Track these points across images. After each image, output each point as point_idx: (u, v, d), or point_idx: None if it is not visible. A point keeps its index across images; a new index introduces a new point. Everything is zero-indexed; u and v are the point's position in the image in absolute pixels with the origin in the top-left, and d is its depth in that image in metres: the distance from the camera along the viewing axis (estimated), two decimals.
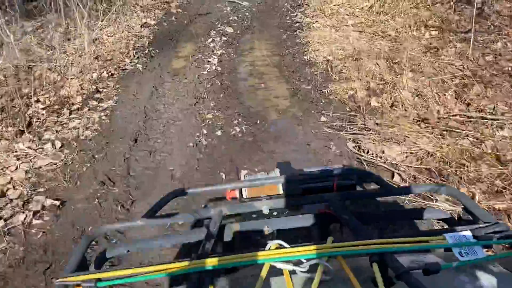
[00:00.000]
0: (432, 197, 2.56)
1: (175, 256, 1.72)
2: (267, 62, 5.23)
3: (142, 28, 6.45)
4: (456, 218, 1.07)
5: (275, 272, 0.79)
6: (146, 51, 5.69)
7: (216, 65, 5.19)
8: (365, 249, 0.78)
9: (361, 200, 1.52)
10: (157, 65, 5.27)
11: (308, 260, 0.79)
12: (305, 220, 1.16)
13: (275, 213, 1.14)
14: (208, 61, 5.31)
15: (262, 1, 7.97)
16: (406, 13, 5.83)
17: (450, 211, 1.58)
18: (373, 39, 5.32)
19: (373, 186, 1.19)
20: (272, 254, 0.79)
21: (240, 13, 7.34)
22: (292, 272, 0.79)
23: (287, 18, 6.90)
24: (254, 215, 1.14)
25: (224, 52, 5.62)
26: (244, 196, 1.17)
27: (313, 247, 0.79)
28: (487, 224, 0.86)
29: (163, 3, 7.77)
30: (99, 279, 0.80)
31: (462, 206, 1.02)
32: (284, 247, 0.81)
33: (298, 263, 0.79)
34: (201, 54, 5.57)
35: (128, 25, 6.47)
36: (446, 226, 1.06)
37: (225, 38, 6.10)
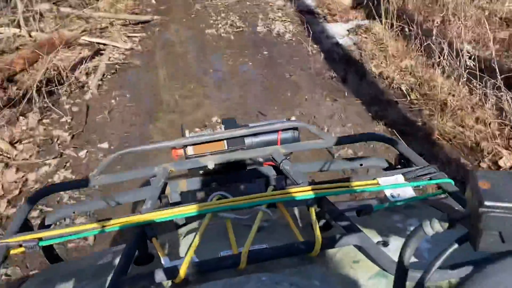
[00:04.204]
0: None
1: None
2: None
3: None
4: (394, 164, 1.10)
5: (219, 222, 0.83)
6: None
7: None
8: (302, 195, 0.82)
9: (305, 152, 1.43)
10: None
11: (249, 208, 0.83)
12: (250, 173, 1.15)
13: (221, 168, 1.13)
14: None
15: None
16: None
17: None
18: None
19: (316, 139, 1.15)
20: (214, 204, 0.82)
21: None
22: (234, 220, 0.84)
23: None
24: (201, 171, 1.14)
25: None
26: (189, 153, 1.14)
27: (253, 195, 0.83)
28: (419, 168, 0.90)
29: None
30: (40, 239, 0.80)
31: (398, 152, 1.06)
32: (226, 197, 0.86)
33: (240, 212, 0.83)
34: None
35: None
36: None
37: None
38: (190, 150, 1.15)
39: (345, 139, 1.25)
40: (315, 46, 5.07)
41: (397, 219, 0.84)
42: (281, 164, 1.03)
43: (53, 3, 6.64)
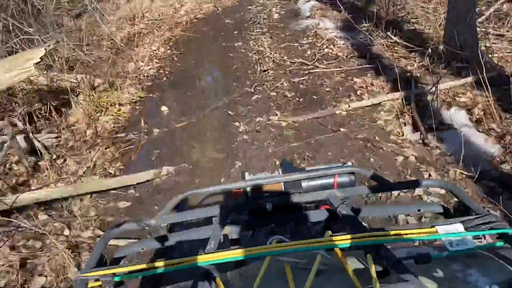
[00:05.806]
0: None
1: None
2: None
3: None
4: (452, 211, 1.09)
5: (277, 264, 0.84)
6: None
7: None
8: (359, 242, 0.82)
9: (360, 196, 1.33)
10: None
11: (307, 252, 0.84)
12: (307, 215, 1.18)
13: (278, 209, 1.17)
14: None
15: None
16: None
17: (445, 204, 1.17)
18: None
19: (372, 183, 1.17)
20: (274, 247, 0.85)
21: None
22: (292, 264, 0.83)
23: None
24: (259, 212, 1.18)
25: None
26: (249, 195, 1.24)
27: (311, 240, 0.84)
28: (478, 216, 0.90)
29: None
30: (115, 274, 0.87)
31: (457, 200, 1.05)
32: (284, 241, 0.87)
33: (298, 256, 0.84)
34: None
35: None
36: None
37: None
38: (249, 192, 1.22)
39: (403, 184, 1.19)
40: None
41: (456, 269, 0.82)
42: (338, 208, 1.03)
43: None
